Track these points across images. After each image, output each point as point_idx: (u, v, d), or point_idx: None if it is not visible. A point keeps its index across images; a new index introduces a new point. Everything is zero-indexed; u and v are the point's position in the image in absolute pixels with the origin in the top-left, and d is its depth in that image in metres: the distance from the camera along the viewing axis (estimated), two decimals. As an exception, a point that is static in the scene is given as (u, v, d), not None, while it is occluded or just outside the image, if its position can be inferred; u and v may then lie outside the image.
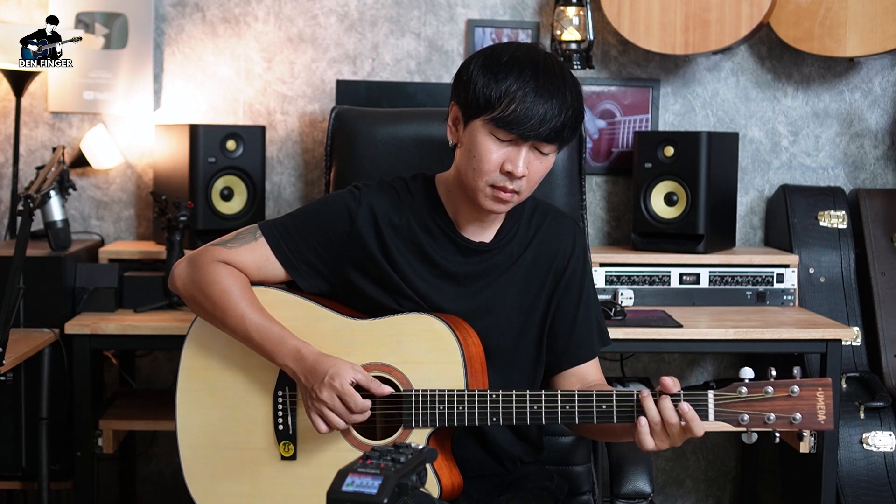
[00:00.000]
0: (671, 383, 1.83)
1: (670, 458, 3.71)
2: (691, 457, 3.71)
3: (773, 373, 1.83)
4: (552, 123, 1.86)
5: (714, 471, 3.72)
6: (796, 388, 1.81)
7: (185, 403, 2.06)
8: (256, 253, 2.02)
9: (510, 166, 1.89)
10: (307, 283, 2.04)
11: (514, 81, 1.86)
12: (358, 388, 1.92)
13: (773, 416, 1.81)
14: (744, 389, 1.83)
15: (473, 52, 1.98)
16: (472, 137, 1.91)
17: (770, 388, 1.82)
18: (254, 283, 2.04)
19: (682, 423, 1.82)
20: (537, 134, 1.86)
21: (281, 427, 2.01)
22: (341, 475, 1.37)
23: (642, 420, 1.83)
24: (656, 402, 1.82)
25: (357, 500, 1.34)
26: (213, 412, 2.05)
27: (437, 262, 2.01)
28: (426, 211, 2.02)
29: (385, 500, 1.33)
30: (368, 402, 1.91)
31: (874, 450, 3.14)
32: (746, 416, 1.82)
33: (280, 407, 2.02)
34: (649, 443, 1.84)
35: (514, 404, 1.91)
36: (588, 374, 2.09)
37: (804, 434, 1.84)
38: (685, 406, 1.81)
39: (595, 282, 2.15)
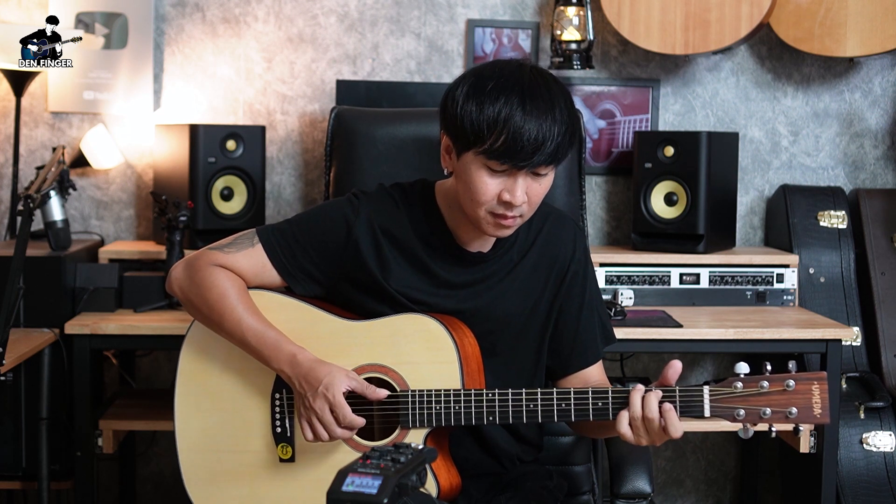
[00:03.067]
0: (673, 372, 1.83)
1: (670, 458, 3.71)
2: (691, 457, 3.71)
3: (769, 367, 1.83)
4: (545, 148, 1.82)
5: (714, 471, 3.72)
6: (792, 383, 1.81)
7: (183, 407, 2.06)
8: (253, 259, 2.02)
9: (508, 196, 1.85)
10: (303, 290, 2.04)
11: (502, 110, 1.80)
12: (354, 394, 1.92)
13: (768, 410, 1.82)
14: (739, 384, 1.83)
15: (458, 77, 1.91)
16: (465, 169, 1.87)
17: (765, 383, 1.82)
18: (251, 287, 2.03)
19: (662, 422, 1.82)
20: (531, 162, 1.82)
21: (279, 430, 2.01)
22: (341, 475, 1.37)
23: (623, 410, 1.84)
24: (645, 397, 1.83)
25: (357, 500, 1.34)
26: (212, 415, 2.04)
27: (436, 273, 2.00)
28: (424, 221, 2.01)
29: (385, 500, 1.33)
30: (359, 420, 1.90)
31: (874, 450, 3.14)
32: (742, 411, 1.83)
33: (277, 410, 2.02)
34: (628, 433, 1.84)
35: (510, 403, 1.90)
36: (591, 377, 2.09)
37: (800, 429, 1.84)
38: (667, 405, 1.82)
39: (595, 276, 2.14)
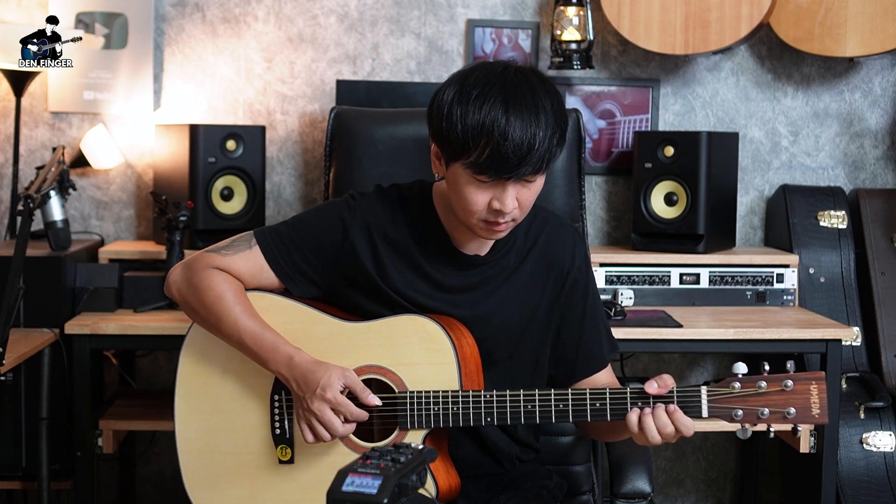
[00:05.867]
0: (656, 388, 1.84)
1: (670, 458, 3.71)
2: (691, 457, 3.71)
3: (767, 367, 1.83)
4: (531, 158, 1.79)
5: (714, 471, 3.72)
6: (790, 383, 1.81)
7: (183, 409, 2.06)
8: (251, 261, 2.02)
9: (498, 205, 1.84)
10: (300, 291, 2.04)
11: (484, 121, 1.78)
12: (350, 394, 1.91)
13: (766, 410, 1.82)
14: (737, 384, 1.83)
15: (444, 81, 1.89)
16: (454, 179, 1.87)
17: (763, 383, 1.82)
18: (249, 289, 2.03)
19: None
20: (518, 173, 1.80)
21: (278, 431, 2.01)
22: (341, 475, 1.37)
23: (632, 418, 1.84)
24: (652, 410, 1.84)
25: (357, 500, 1.34)
26: (211, 417, 2.04)
27: (433, 275, 2.00)
28: (421, 223, 2.00)
29: (385, 500, 1.33)
30: (363, 413, 1.90)
31: (874, 450, 3.14)
32: (740, 412, 1.83)
33: (276, 411, 2.01)
34: (642, 441, 1.86)
35: (507, 404, 1.90)
36: (599, 383, 2.08)
37: (799, 429, 1.85)
38: (672, 408, 1.83)
39: (596, 283, 2.14)
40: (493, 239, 1.94)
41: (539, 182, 1.88)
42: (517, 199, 1.85)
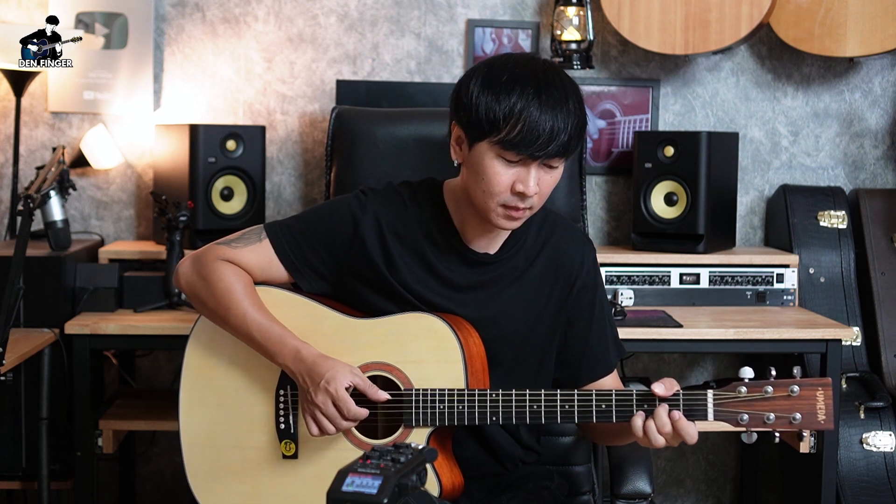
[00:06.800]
0: (663, 390, 1.84)
1: (670, 458, 3.71)
2: (691, 457, 3.71)
3: (773, 372, 1.83)
4: (560, 139, 1.84)
5: (714, 471, 3.72)
6: (796, 388, 1.81)
7: (187, 402, 2.07)
8: (260, 254, 2.03)
9: (521, 187, 1.86)
10: (309, 286, 2.05)
11: (518, 100, 1.82)
12: (357, 392, 1.92)
13: (772, 415, 1.82)
14: (743, 389, 1.83)
15: (469, 69, 1.93)
16: (478, 159, 1.88)
17: (770, 388, 1.82)
18: (257, 282, 2.04)
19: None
20: (546, 152, 1.84)
21: (282, 426, 2.02)
22: (341, 475, 1.37)
23: (636, 422, 1.85)
24: (653, 412, 1.84)
25: (357, 500, 1.34)
26: (216, 411, 2.05)
27: (441, 272, 2.00)
28: (432, 220, 2.01)
29: (385, 500, 1.33)
30: (363, 411, 1.91)
31: (874, 450, 3.14)
32: (746, 416, 1.83)
33: (281, 406, 2.02)
34: (645, 442, 1.86)
35: (513, 403, 1.91)
36: (604, 387, 2.08)
37: (804, 434, 1.85)
38: (676, 415, 1.83)
39: (604, 287, 2.14)
40: (507, 227, 1.94)
41: (559, 170, 1.91)
42: (538, 185, 1.87)
